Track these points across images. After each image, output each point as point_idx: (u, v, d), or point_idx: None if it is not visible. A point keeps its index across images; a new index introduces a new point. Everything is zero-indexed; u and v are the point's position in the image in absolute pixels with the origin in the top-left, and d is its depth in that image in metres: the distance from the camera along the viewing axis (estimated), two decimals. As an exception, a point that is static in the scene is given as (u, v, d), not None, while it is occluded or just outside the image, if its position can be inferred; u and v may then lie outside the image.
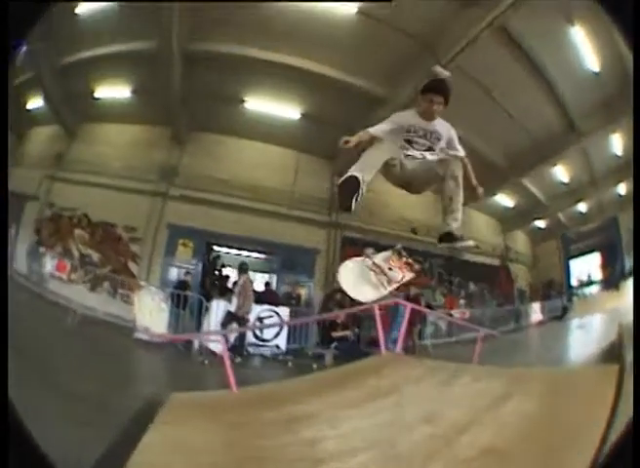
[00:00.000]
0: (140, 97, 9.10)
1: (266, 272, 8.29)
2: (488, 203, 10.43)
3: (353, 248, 8.65)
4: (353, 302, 7.71)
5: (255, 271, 8.19)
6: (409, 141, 2.91)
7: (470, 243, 2.88)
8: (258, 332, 7.05)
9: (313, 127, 8.21)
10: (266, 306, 7.38)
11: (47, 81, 9.93)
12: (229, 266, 8.40)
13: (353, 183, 2.46)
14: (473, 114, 8.71)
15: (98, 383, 5.30)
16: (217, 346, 6.95)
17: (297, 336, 7.48)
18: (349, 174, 2.48)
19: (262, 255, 8.06)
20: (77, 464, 2.09)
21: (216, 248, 8.67)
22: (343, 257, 8.63)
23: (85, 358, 6.27)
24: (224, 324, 6.88)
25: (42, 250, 9.21)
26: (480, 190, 3.07)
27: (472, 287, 10.53)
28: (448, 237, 2.81)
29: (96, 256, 8.59)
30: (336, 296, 7.78)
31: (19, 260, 9.33)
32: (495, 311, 10.25)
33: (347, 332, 7.19)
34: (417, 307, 7.22)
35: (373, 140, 2.77)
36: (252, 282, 7.19)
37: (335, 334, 7.12)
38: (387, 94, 7.90)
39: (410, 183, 2.98)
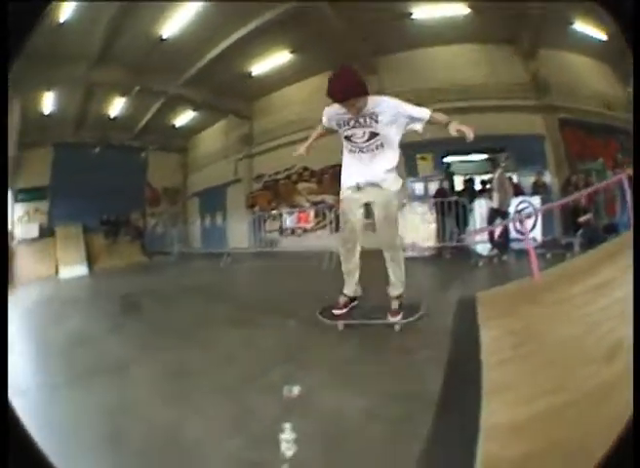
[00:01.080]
0: (303, 53, 9.28)
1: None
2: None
3: (571, 129, 8.24)
4: (588, 182, 7.47)
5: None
6: (348, 138, 2.83)
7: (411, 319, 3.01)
8: (519, 226, 7.16)
9: (483, 17, 7.79)
10: (521, 197, 7.37)
11: (188, 94, 10.44)
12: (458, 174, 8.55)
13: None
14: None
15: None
16: (484, 248, 7.17)
17: (546, 228, 7.31)
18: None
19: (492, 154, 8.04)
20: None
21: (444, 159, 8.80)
22: (566, 141, 8.35)
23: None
24: (490, 221, 7.16)
25: (271, 214, 10.00)
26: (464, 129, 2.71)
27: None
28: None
29: (330, 199, 8.90)
30: (572, 179, 7.53)
31: (238, 239, 10.39)
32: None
33: (589, 216, 6.88)
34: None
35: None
36: (507, 175, 7.21)
37: (580, 220, 6.88)
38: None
39: None
